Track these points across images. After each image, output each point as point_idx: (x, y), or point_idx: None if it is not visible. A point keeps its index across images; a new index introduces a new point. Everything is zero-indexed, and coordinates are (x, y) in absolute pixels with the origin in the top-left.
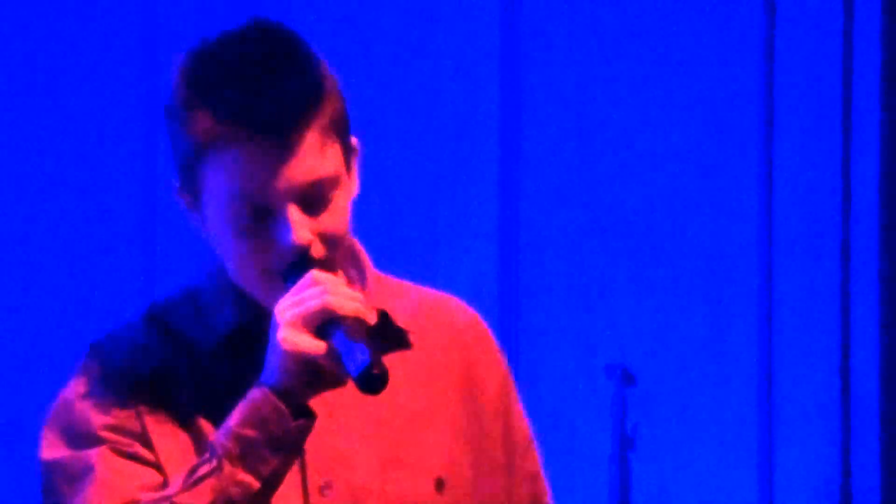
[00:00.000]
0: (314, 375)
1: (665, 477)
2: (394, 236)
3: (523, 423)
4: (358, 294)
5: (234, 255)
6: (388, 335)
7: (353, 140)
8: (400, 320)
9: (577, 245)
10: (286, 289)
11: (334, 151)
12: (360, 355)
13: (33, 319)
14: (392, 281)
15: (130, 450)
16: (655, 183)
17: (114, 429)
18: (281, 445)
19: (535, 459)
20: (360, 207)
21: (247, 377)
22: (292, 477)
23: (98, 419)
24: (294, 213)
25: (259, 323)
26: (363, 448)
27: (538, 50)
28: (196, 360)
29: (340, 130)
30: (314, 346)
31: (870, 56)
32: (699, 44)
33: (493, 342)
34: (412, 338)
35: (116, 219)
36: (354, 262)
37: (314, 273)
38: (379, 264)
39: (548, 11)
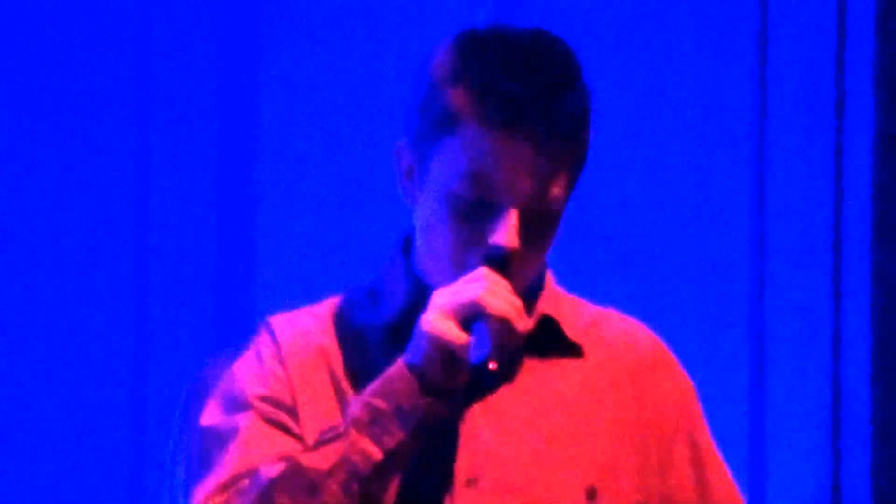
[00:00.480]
0: (449, 363)
1: None
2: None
3: (710, 453)
4: (516, 300)
5: (437, 234)
6: (548, 341)
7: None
8: (571, 332)
9: (570, 250)
10: None
11: (565, 186)
12: (484, 349)
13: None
14: (572, 298)
15: (277, 419)
16: (649, 185)
17: (266, 399)
18: (408, 420)
19: (729, 486)
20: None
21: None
22: (442, 467)
23: (253, 389)
24: (513, 217)
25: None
26: (516, 446)
27: None
28: (362, 348)
29: (576, 174)
30: (454, 334)
31: (862, 57)
32: (692, 44)
33: (675, 371)
34: (584, 350)
35: (108, 220)
36: (549, 281)
37: (483, 269)
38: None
39: (534, 10)
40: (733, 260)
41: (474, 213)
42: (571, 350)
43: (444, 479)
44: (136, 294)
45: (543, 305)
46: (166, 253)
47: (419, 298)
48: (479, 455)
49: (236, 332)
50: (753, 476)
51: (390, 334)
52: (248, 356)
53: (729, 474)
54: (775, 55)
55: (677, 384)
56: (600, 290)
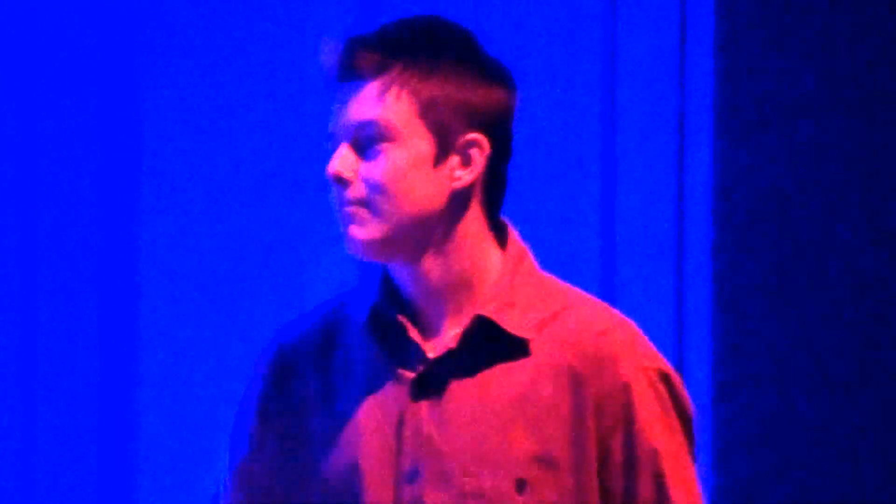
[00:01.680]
0: None
1: None
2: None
3: (658, 439)
4: None
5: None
6: (491, 338)
7: (474, 135)
8: (516, 327)
9: None
10: None
11: (402, 111)
12: None
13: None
14: (545, 284)
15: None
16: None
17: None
18: None
19: (688, 475)
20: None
21: (380, 360)
22: (390, 457)
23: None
24: (341, 148)
25: (393, 301)
26: (455, 441)
27: None
28: (351, 334)
29: (433, 108)
30: None
31: (703, 67)
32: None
33: (623, 362)
34: (532, 343)
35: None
36: (508, 248)
37: None
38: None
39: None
40: (587, 259)
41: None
42: (516, 345)
43: (390, 472)
44: (21, 293)
45: (485, 301)
46: (49, 253)
47: (389, 294)
48: (421, 449)
49: (118, 331)
50: None
51: (365, 329)
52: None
53: (672, 479)
54: (623, 68)
55: (618, 380)
56: None
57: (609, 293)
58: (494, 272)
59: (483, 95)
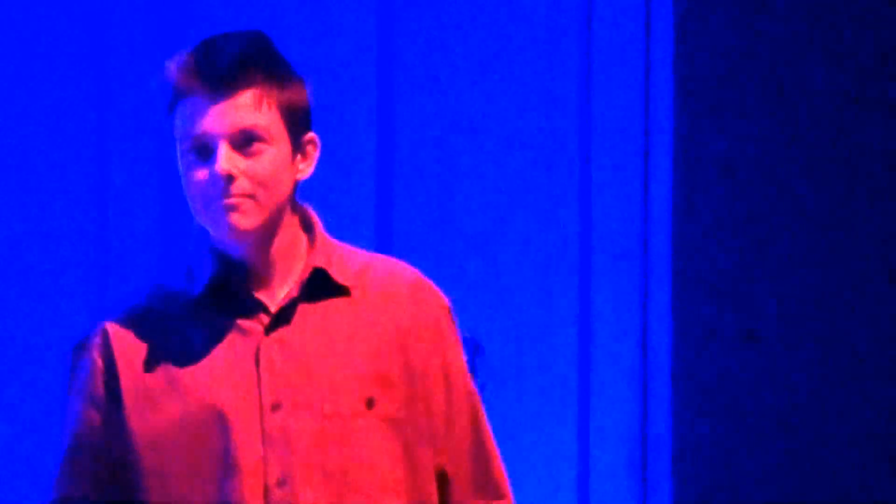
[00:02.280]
0: None
1: (502, 419)
2: None
3: (458, 360)
4: None
5: (188, 189)
6: (324, 288)
7: (311, 135)
8: (340, 274)
9: (437, 243)
10: None
11: (271, 118)
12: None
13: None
14: (343, 246)
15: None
16: (496, 185)
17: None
18: None
19: (469, 389)
20: None
21: (222, 322)
22: (250, 395)
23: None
24: (223, 147)
25: (231, 273)
26: (307, 373)
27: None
28: (181, 311)
29: (287, 112)
30: None
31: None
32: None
33: (429, 298)
34: (353, 288)
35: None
36: (306, 225)
37: None
38: None
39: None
40: (563, 257)
41: (203, 159)
42: (341, 291)
43: (255, 405)
44: (94, 291)
45: (314, 259)
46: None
47: (221, 264)
48: (278, 384)
49: None
50: (581, 419)
51: (203, 298)
52: (82, 358)
53: (467, 390)
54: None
55: (432, 309)
56: (465, 280)
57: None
58: (305, 240)
59: (308, 99)
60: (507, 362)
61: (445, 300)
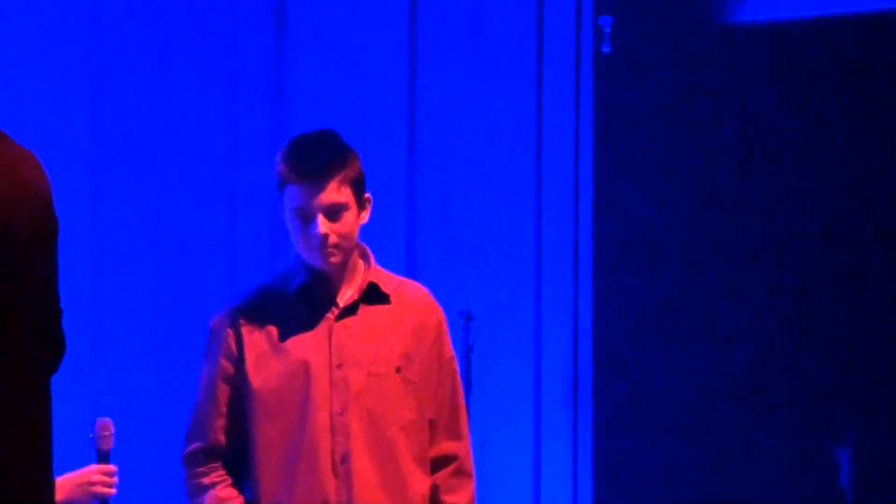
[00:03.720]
0: None
1: (484, 358)
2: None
3: (449, 360)
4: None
5: (296, 238)
6: (375, 296)
7: (368, 195)
8: (385, 288)
9: (448, 243)
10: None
11: (347, 193)
12: None
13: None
14: (384, 271)
15: (227, 372)
16: (491, 199)
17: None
18: None
19: (453, 370)
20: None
21: (308, 311)
22: (324, 357)
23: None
24: (320, 218)
25: (315, 281)
26: (360, 347)
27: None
28: (281, 302)
29: (355, 185)
30: None
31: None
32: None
33: (438, 313)
34: (391, 298)
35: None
36: (364, 257)
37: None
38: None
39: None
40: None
41: (306, 224)
42: (386, 298)
43: (325, 363)
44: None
45: (368, 276)
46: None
47: (308, 274)
48: (341, 351)
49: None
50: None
51: (298, 298)
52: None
53: (451, 367)
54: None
55: (437, 321)
56: (460, 263)
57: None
58: (362, 264)
59: (362, 167)
60: (487, 324)
61: (442, 311)
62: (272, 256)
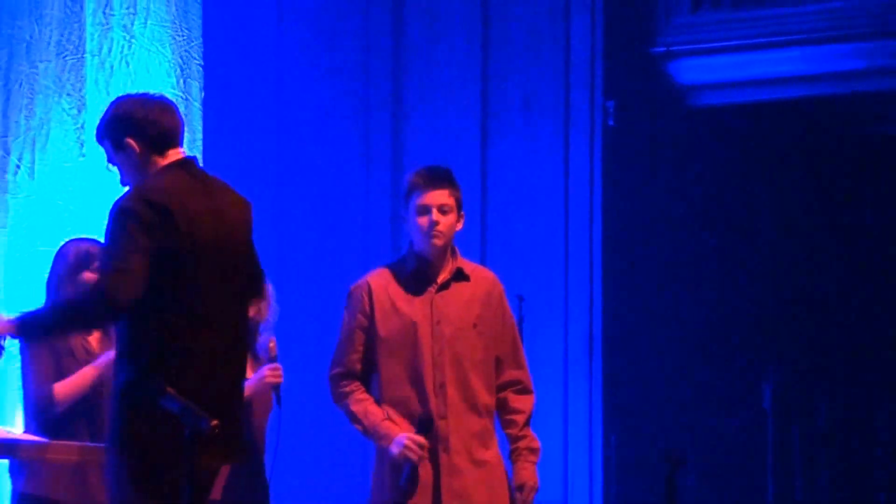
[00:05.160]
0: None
1: (534, 337)
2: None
3: (509, 317)
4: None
5: (414, 230)
6: (460, 277)
7: (462, 213)
8: (467, 271)
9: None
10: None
11: (451, 202)
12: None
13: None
14: (467, 261)
15: (363, 324)
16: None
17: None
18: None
19: (513, 323)
20: None
21: (417, 286)
22: (428, 317)
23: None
24: (434, 211)
25: (422, 266)
26: (451, 310)
27: None
28: (400, 278)
29: (457, 201)
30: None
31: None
32: None
33: (500, 287)
34: (471, 277)
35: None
36: (453, 252)
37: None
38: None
39: None
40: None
41: (423, 215)
42: (467, 278)
43: (429, 322)
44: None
45: (456, 263)
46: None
47: (420, 259)
48: (439, 313)
49: None
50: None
51: (411, 276)
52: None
53: (511, 323)
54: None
55: (499, 292)
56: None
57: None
58: (450, 255)
59: (461, 194)
60: (533, 304)
61: (502, 286)
62: (391, 247)
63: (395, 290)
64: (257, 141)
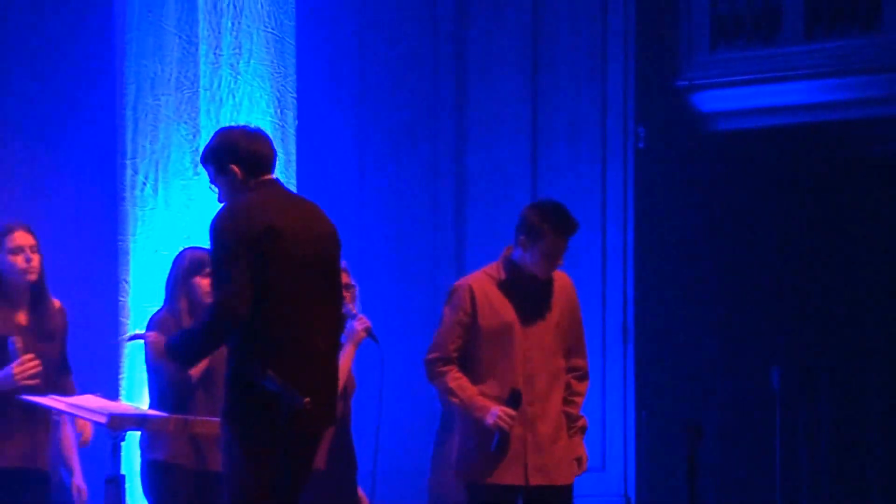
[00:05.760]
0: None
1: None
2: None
3: (579, 313)
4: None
5: (538, 263)
6: (543, 283)
7: None
8: (552, 278)
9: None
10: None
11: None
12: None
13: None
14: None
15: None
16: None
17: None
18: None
19: (580, 320)
20: None
21: (512, 292)
22: (522, 315)
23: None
24: (560, 258)
25: (517, 273)
26: (541, 309)
27: None
28: (495, 281)
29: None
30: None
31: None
32: None
33: (574, 289)
34: (554, 280)
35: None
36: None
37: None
38: None
39: None
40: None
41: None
42: (551, 282)
43: (519, 319)
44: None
45: (550, 273)
46: None
47: (516, 269)
48: (532, 311)
49: None
50: None
51: (506, 281)
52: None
53: (581, 330)
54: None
55: (573, 293)
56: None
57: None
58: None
59: None
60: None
61: (574, 287)
62: (453, 247)
63: (493, 292)
64: (341, 160)
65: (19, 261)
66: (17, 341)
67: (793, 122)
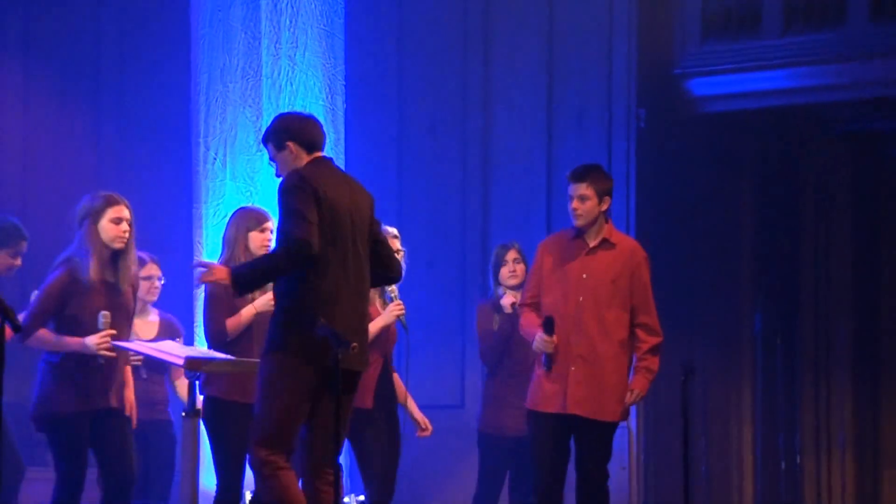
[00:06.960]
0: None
1: None
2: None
3: (645, 275)
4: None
5: (571, 206)
6: (607, 245)
7: (608, 197)
8: (613, 240)
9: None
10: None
11: (591, 191)
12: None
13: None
14: (617, 231)
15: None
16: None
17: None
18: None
19: (647, 283)
20: None
21: (573, 249)
22: (579, 273)
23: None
24: (576, 198)
25: (577, 234)
26: (596, 269)
27: None
28: (564, 242)
29: (598, 191)
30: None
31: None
32: None
33: (641, 253)
34: (617, 246)
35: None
36: (605, 223)
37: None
38: None
39: None
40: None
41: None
42: (613, 245)
43: (580, 275)
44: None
45: (603, 234)
46: None
47: (577, 230)
48: (587, 269)
49: None
50: None
51: (572, 241)
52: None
53: (645, 281)
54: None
55: (642, 257)
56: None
57: None
58: (604, 228)
59: (608, 184)
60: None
61: (643, 253)
62: (481, 221)
63: (562, 248)
64: (383, 139)
65: (117, 230)
66: (105, 316)
67: (772, 105)
